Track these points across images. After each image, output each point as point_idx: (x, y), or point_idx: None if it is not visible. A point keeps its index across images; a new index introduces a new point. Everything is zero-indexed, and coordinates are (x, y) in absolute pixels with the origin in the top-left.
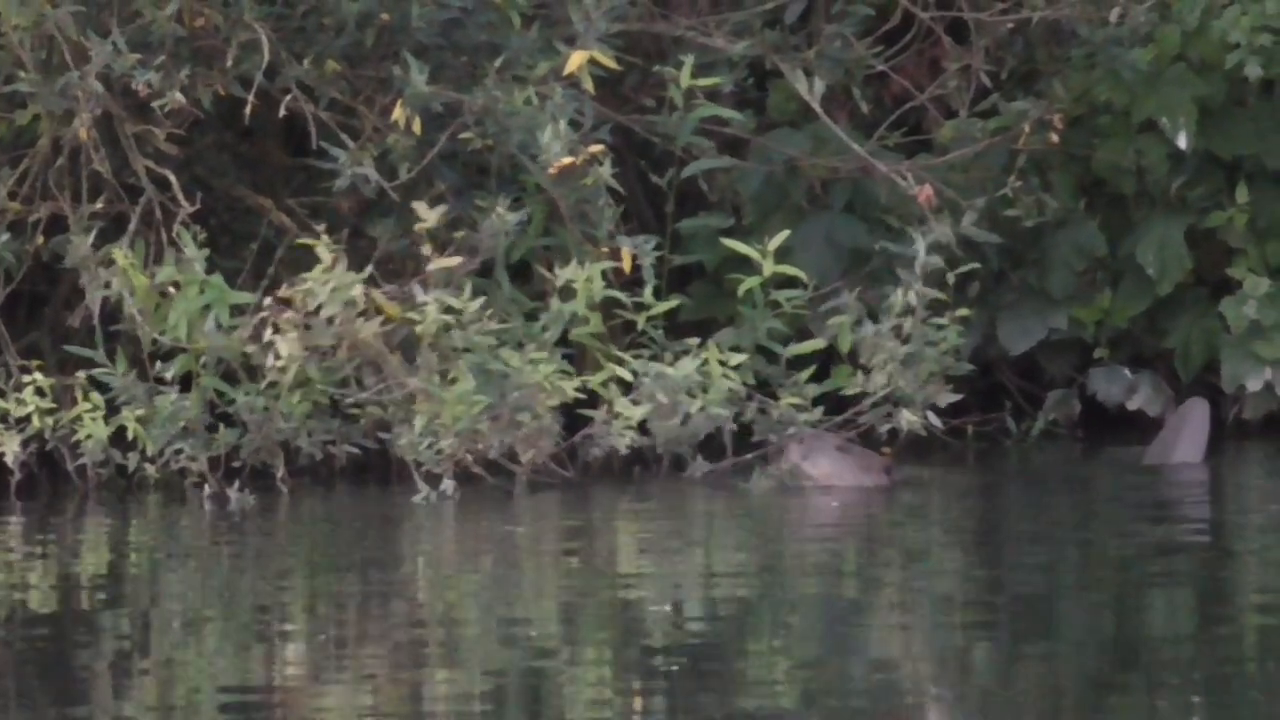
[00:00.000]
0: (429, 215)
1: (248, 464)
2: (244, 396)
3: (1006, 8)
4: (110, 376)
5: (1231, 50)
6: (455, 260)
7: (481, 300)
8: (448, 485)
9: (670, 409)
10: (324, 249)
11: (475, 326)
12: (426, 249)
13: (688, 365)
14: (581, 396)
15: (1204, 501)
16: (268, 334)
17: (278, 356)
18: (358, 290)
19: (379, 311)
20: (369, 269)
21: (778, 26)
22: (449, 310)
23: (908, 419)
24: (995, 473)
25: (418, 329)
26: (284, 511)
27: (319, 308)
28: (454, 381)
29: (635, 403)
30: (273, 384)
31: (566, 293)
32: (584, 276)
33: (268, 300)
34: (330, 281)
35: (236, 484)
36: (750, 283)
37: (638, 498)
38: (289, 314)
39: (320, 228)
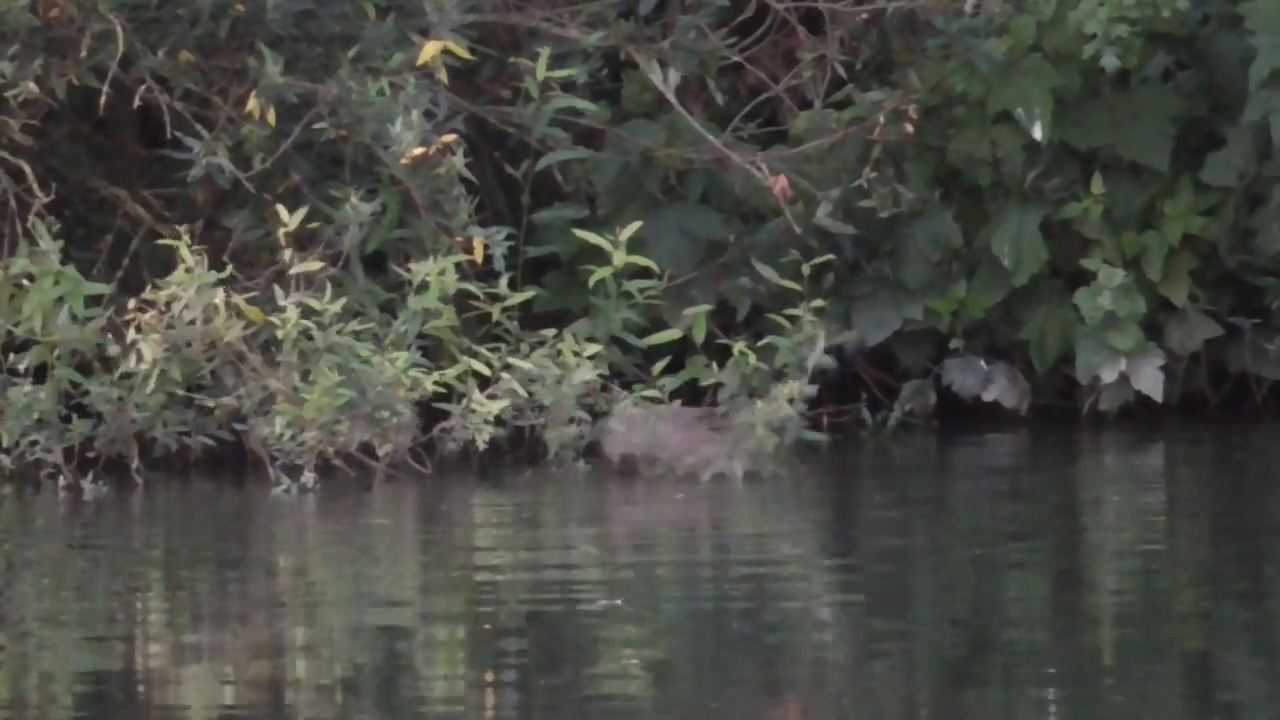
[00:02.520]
0: (290, 219)
1: (103, 455)
2: (99, 387)
3: None
4: None
5: (1087, 41)
6: (318, 264)
7: (343, 302)
8: (309, 477)
9: (563, 412)
10: (185, 249)
11: (336, 327)
12: (287, 254)
13: (541, 359)
14: (441, 390)
15: None
16: (131, 334)
17: (140, 358)
18: (219, 296)
19: (240, 315)
20: (229, 269)
21: (632, 17)
22: (309, 312)
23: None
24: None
25: (279, 333)
26: (141, 503)
27: (182, 308)
28: (314, 383)
29: (493, 396)
30: (127, 375)
31: (422, 287)
32: (436, 270)
33: (132, 302)
34: (193, 284)
35: (91, 475)
36: (602, 273)
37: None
38: (151, 314)
39: (183, 228)
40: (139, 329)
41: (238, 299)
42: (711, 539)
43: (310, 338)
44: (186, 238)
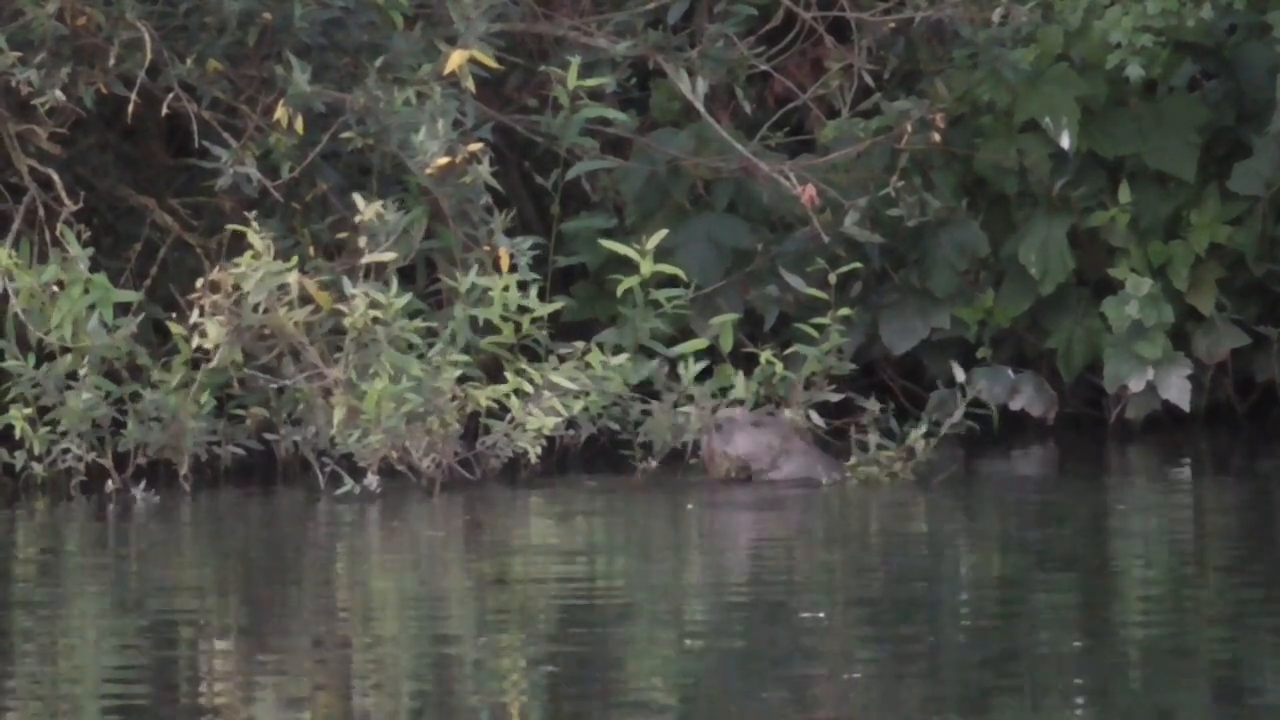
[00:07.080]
0: (367, 210)
1: (133, 463)
2: (151, 395)
3: (889, 7)
4: (21, 367)
5: (1113, 50)
6: (390, 255)
7: (409, 297)
8: (372, 480)
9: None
10: (255, 236)
11: (400, 324)
12: (361, 241)
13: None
14: (492, 405)
15: None
16: (194, 316)
17: (203, 335)
18: (292, 277)
19: (307, 300)
20: (296, 258)
21: (660, 26)
22: (374, 305)
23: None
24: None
25: (346, 320)
26: (192, 508)
27: (246, 294)
28: (374, 376)
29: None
30: (175, 384)
31: (469, 294)
32: (500, 285)
33: (199, 282)
34: (261, 268)
35: (143, 484)
36: (629, 282)
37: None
38: (217, 298)
39: (252, 214)
40: (202, 311)
41: (308, 283)
42: (748, 550)
43: (374, 328)
44: (255, 224)
